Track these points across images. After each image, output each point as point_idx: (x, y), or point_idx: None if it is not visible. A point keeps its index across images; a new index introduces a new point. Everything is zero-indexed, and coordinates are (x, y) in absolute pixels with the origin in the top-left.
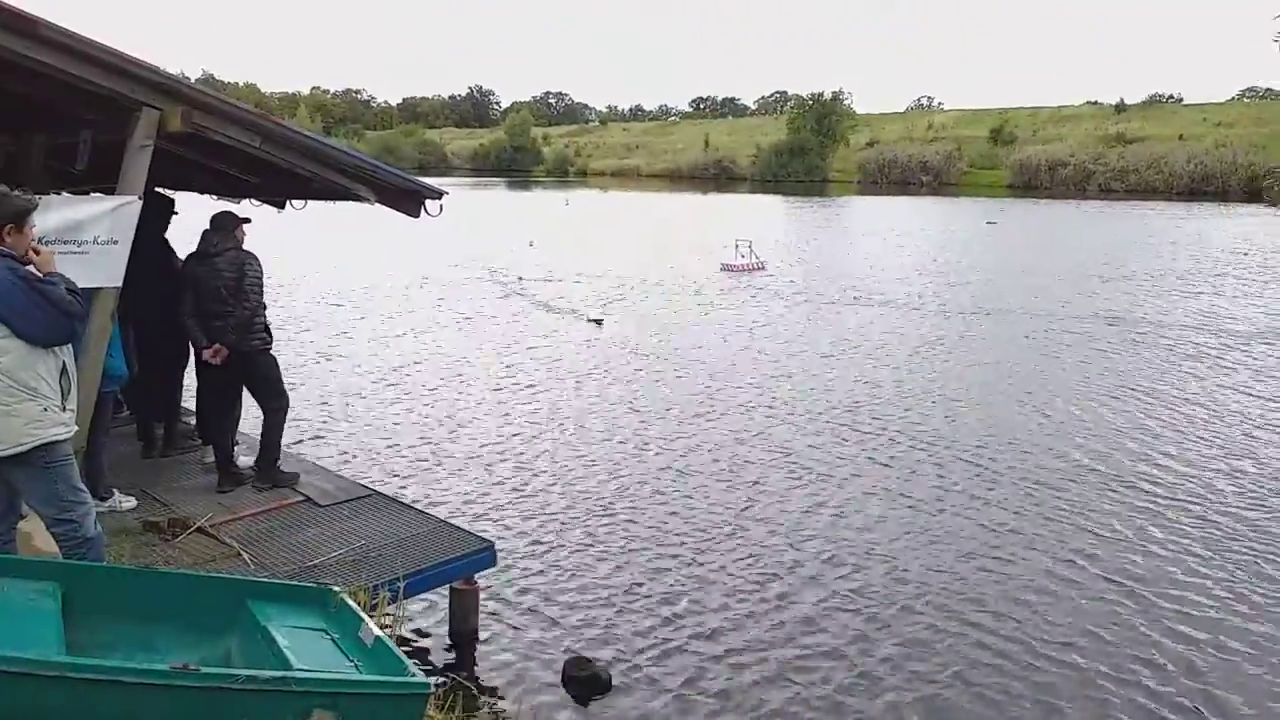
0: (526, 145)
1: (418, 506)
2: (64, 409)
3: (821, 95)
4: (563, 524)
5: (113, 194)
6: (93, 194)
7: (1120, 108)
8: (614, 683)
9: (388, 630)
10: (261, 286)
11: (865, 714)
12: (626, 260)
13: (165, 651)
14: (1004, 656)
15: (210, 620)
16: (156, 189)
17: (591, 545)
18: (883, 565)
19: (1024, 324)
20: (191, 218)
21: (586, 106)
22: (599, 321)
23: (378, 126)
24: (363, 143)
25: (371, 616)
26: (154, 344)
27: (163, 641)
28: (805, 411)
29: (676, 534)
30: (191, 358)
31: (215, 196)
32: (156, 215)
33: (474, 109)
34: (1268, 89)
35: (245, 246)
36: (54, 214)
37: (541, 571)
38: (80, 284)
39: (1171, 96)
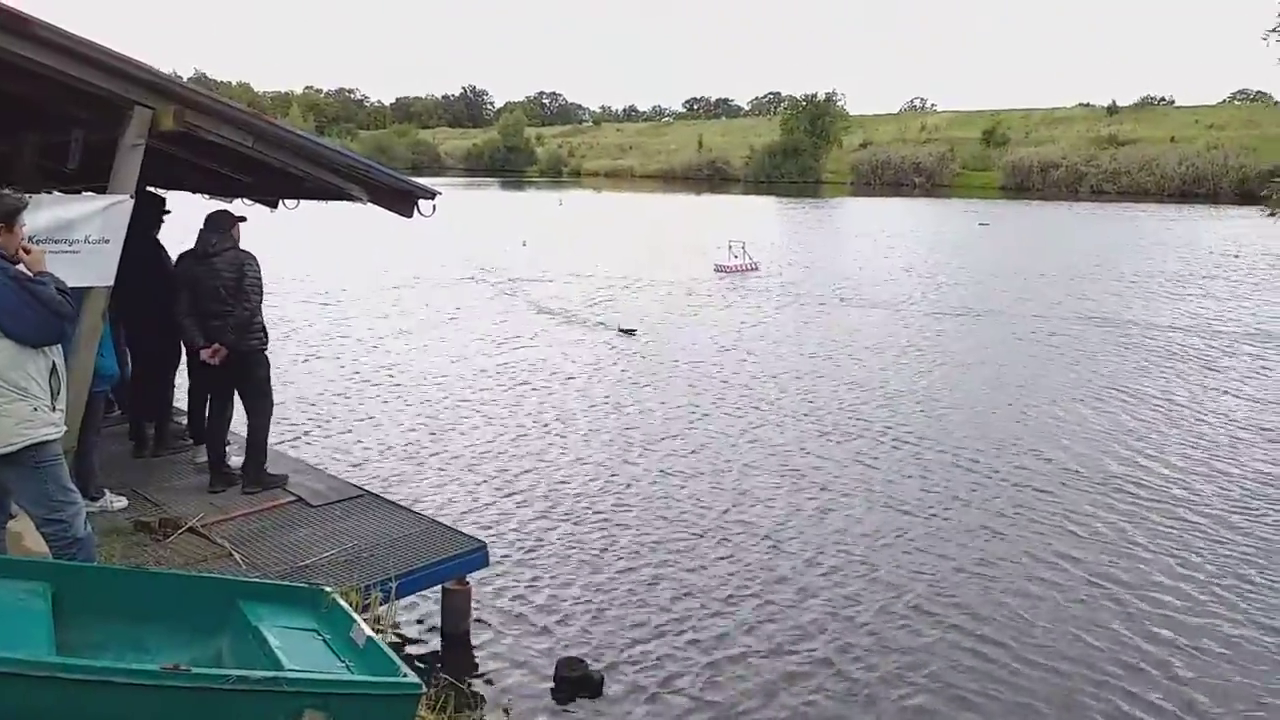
0: (520, 145)
1: (410, 507)
2: (54, 409)
3: (815, 96)
4: (555, 525)
5: (104, 193)
6: (84, 193)
7: (1112, 110)
8: (605, 684)
9: (379, 631)
10: (261, 287)
11: (850, 716)
12: (619, 261)
13: (156, 652)
14: (987, 659)
15: (201, 620)
16: (148, 188)
17: (583, 546)
18: (868, 567)
19: (1014, 326)
20: (183, 217)
21: (580, 107)
22: (631, 332)
23: (371, 126)
24: (356, 142)
25: (363, 617)
26: (145, 344)
27: (154, 642)
28: (793, 412)
29: (668, 535)
30: (184, 357)
31: (208, 196)
32: (148, 215)
33: (467, 109)
34: (1259, 92)
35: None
36: (45, 213)
37: (534, 572)
38: (71, 283)
39: (1163, 99)
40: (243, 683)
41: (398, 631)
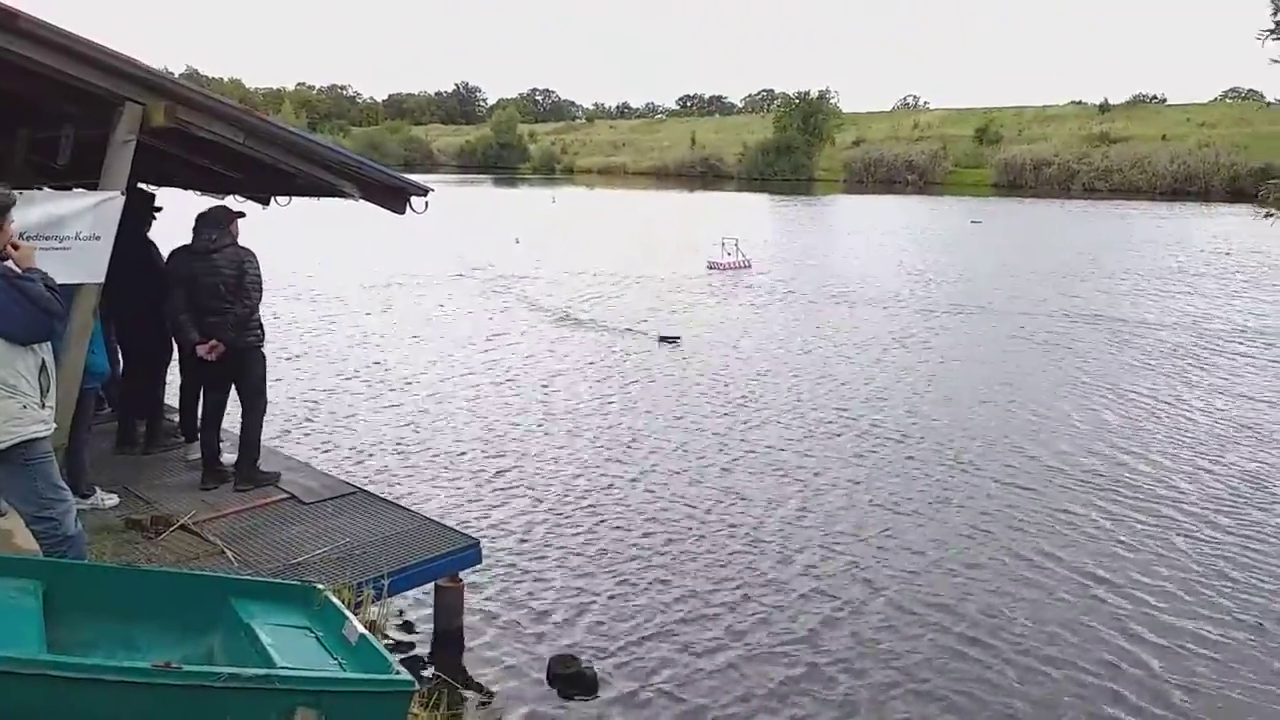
0: (513, 142)
1: (402, 504)
2: (43, 406)
3: (808, 94)
4: (548, 521)
5: (95, 189)
6: (75, 189)
7: (1104, 108)
8: (599, 680)
9: (372, 628)
10: (262, 284)
11: (851, 710)
12: (613, 258)
13: (147, 650)
14: (971, 659)
15: (193, 618)
16: (139, 185)
17: (576, 543)
18: (855, 565)
19: (1004, 323)
20: (175, 213)
21: (573, 104)
22: (674, 340)
23: (363, 123)
24: (348, 139)
25: (356, 614)
26: (135, 341)
27: (145, 640)
28: (782, 409)
29: (660, 532)
30: (175, 354)
31: (199, 192)
32: (138, 212)
33: (460, 106)
34: (1250, 90)
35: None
36: (36, 209)
37: (526, 569)
38: (62, 280)
39: (1155, 97)
40: (235, 680)
41: (390, 629)
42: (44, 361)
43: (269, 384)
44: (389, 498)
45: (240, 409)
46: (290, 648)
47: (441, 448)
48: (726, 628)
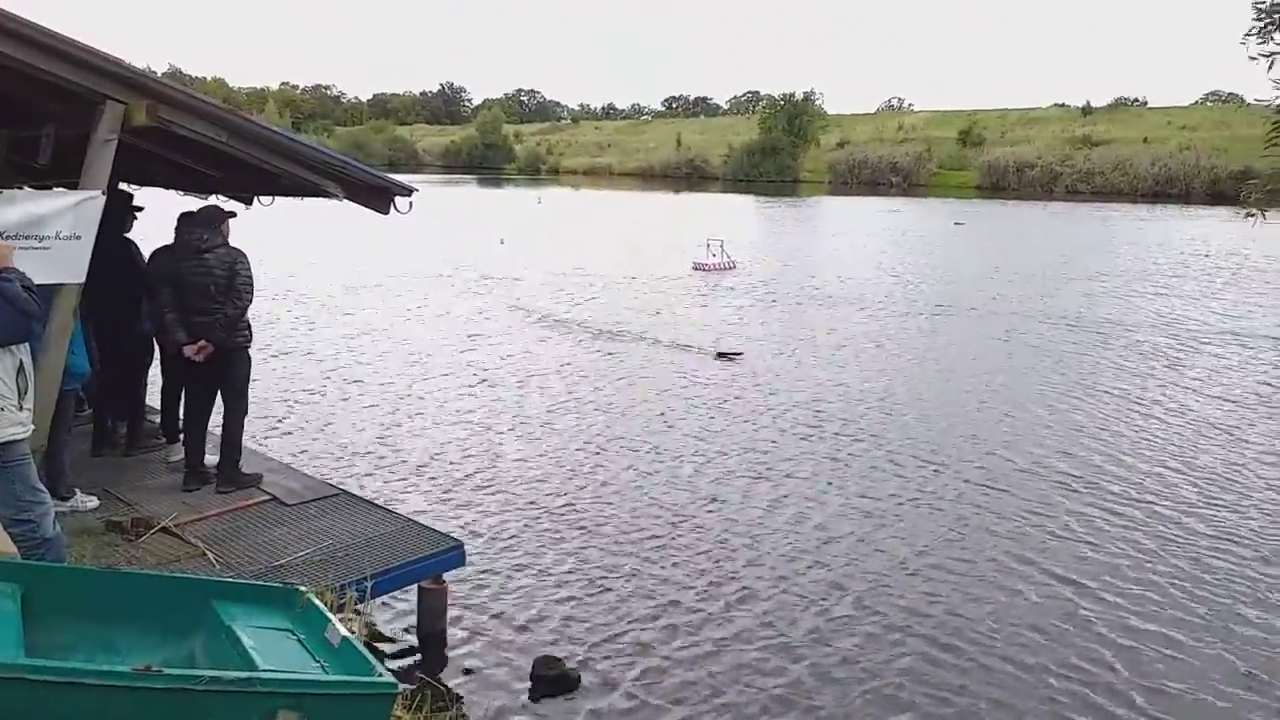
0: (498, 143)
1: (386, 506)
2: (21, 408)
3: (793, 95)
4: (531, 524)
5: (76, 189)
6: (55, 189)
7: (1087, 110)
8: (582, 681)
9: (355, 630)
10: (253, 285)
11: (825, 711)
12: (598, 259)
13: (127, 653)
14: (948, 659)
15: (174, 621)
16: (119, 186)
17: (560, 544)
18: (833, 566)
19: (986, 324)
20: (156, 213)
21: (559, 104)
22: (733, 356)
23: (347, 122)
24: (332, 139)
25: (339, 616)
26: (114, 341)
27: (125, 643)
28: (761, 410)
29: (643, 533)
30: (157, 355)
31: (181, 192)
32: (118, 211)
33: (445, 105)
34: (1230, 93)
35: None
36: (16, 209)
37: (510, 571)
38: (42, 280)
39: (1137, 100)
40: (216, 683)
41: (373, 631)
42: (21, 363)
43: (251, 384)
44: (372, 499)
45: (222, 410)
46: (272, 650)
47: (425, 449)
48: (709, 629)
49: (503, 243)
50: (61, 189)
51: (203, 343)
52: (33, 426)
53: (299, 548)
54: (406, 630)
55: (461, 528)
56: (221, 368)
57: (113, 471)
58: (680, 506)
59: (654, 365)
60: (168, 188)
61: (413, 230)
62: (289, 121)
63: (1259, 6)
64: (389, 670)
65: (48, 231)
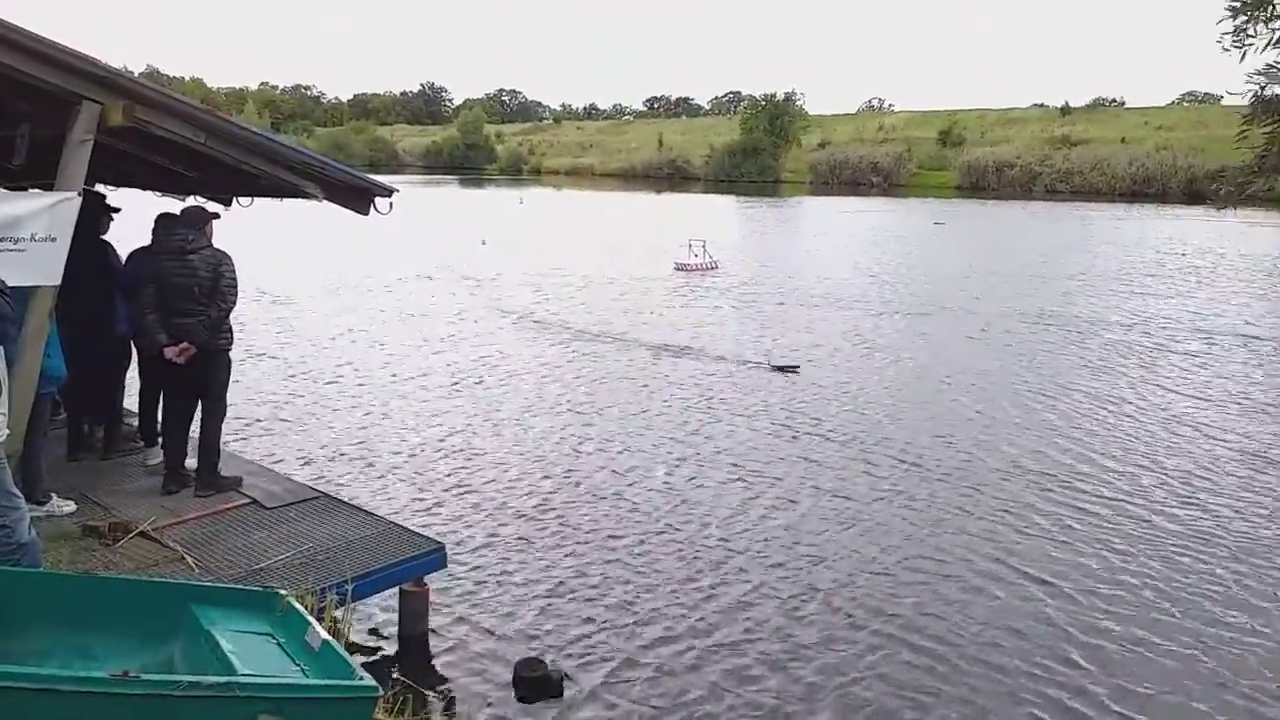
0: (480, 143)
1: (366, 508)
2: None
3: (774, 96)
4: (513, 525)
5: (52, 190)
6: (31, 190)
7: (1065, 110)
8: (565, 684)
9: (335, 634)
10: (237, 287)
11: (802, 711)
12: (580, 259)
13: (105, 659)
14: (926, 655)
15: (152, 626)
16: (96, 187)
17: (542, 546)
18: (813, 563)
19: (965, 323)
20: (133, 214)
21: (540, 104)
22: (791, 369)
23: (328, 123)
24: (312, 139)
25: (319, 620)
26: (90, 344)
27: (102, 648)
28: (742, 410)
29: (624, 534)
30: (135, 357)
31: (158, 193)
32: (92, 213)
33: (426, 106)
34: (1206, 93)
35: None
36: None
37: (493, 573)
38: (17, 282)
39: (1114, 100)
40: (194, 689)
41: (354, 634)
42: None
43: (230, 386)
44: (353, 502)
45: (203, 412)
46: (252, 655)
47: (405, 451)
48: (690, 629)
49: (484, 243)
50: (37, 190)
51: (184, 345)
52: (8, 430)
53: (279, 551)
54: (388, 633)
55: (443, 529)
56: (202, 370)
57: (90, 475)
58: (659, 507)
59: (635, 367)
60: (145, 189)
61: (393, 231)
62: (268, 122)
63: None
64: (370, 673)
65: (23, 233)
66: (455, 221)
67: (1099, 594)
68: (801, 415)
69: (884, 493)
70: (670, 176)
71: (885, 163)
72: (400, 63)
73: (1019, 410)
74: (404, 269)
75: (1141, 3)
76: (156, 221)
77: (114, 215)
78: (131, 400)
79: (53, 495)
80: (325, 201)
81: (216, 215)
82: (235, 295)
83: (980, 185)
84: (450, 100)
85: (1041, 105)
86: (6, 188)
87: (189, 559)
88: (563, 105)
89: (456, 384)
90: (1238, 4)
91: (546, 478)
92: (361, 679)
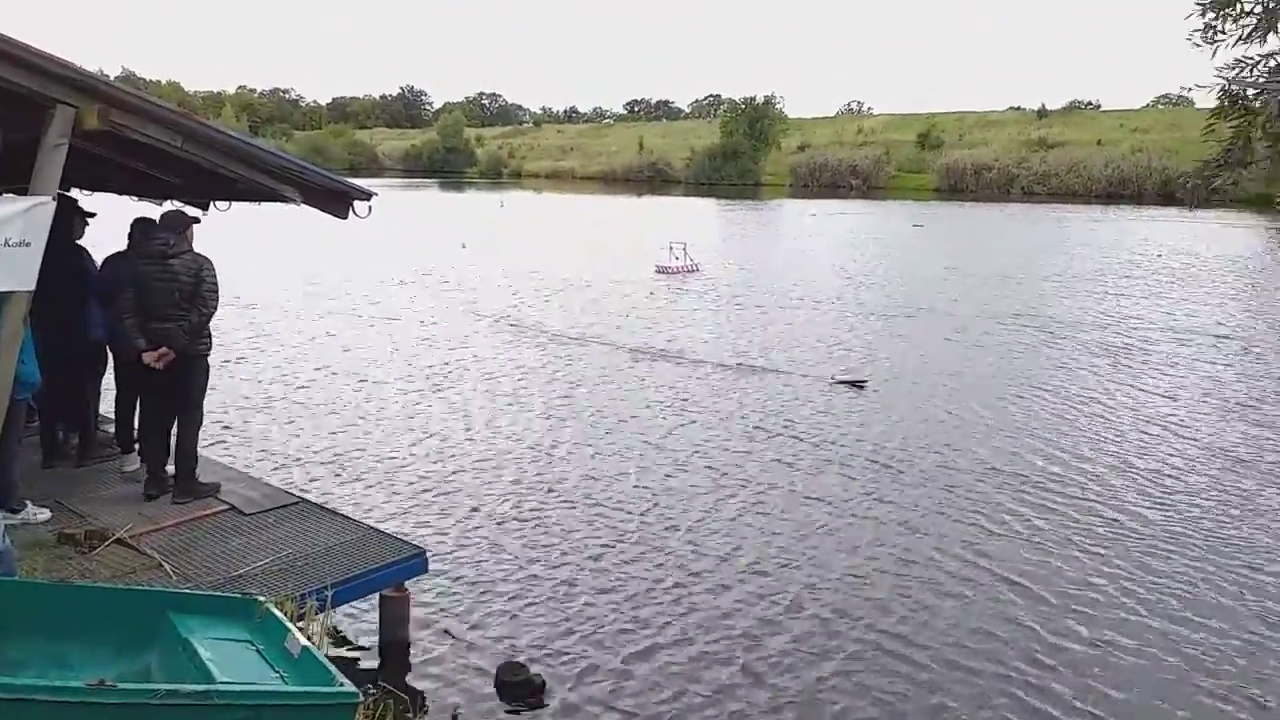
0: (459, 146)
1: (346, 513)
2: None
3: (754, 99)
4: (494, 530)
5: (26, 194)
6: (4, 194)
7: (1042, 113)
8: (548, 687)
9: (315, 640)
10: (218, 292)
11: (782, 712)
12: (561, 262)
13: (81, 668)
14: (901, 657)
15: (129, 634)
16: (67, 192)
17: (523, 550)
18: (791, 566)
19: (942, 324)
20: (109, 219)
21: (520, 108)
22: (859, 384)
23: (306, 126)
24: (290, 143)
25: (299, 626)
26: (64, 350)
27: (78, 658)
28: (719, 412)
29: (605, 537)
30: (111, 363)
31: (135, 197)
32: (67, 218)
33: (405, 109)
34: (1180, 96)
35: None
36: None
37: (474, 578)
38: None
39: (1090, 103)
40: (172, 697)
41: (335, 641)
42: None
43: (208, 392)
44: (332, 507)
45: (180, 418)
46: (231, 662)
47: (385, 456)
48: (672, 631)
49: (465, 247)
50: (10, 195)
51: (164, 350)
52: None
53: (258, 557)
54: (368, 639)
55: (423, 534)
56: (180, 376)
57: (65, 483)
58: (641, 509)
59: (612, 370)
60: (121, 193)
61: (373, 235)
62: (246, 125)
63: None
64: (350, 680)
65: None
66: (435, 225)
67: (1069, 594)
68: (777, 417)
69: (857, 494)
70: (651, 179)
71: (864, 165)
72: (379, 66)
73: (991, 411)
74: (383, 273)
75: (1116, 6)
76: (133, 225)
77: (89, 220)
78: (108, 406)
79: (28, 503)
80: (303, 205)
81: (197, 219)
82: (216, 300)
83: (958, 187)
84: (430, 104)
85: (1018, 108)
86: None
87: (167, 566)
88: (543, 108)
89: (435, 388)
90: (1206, 1)
91: (527, 481)
92: (342, 685)
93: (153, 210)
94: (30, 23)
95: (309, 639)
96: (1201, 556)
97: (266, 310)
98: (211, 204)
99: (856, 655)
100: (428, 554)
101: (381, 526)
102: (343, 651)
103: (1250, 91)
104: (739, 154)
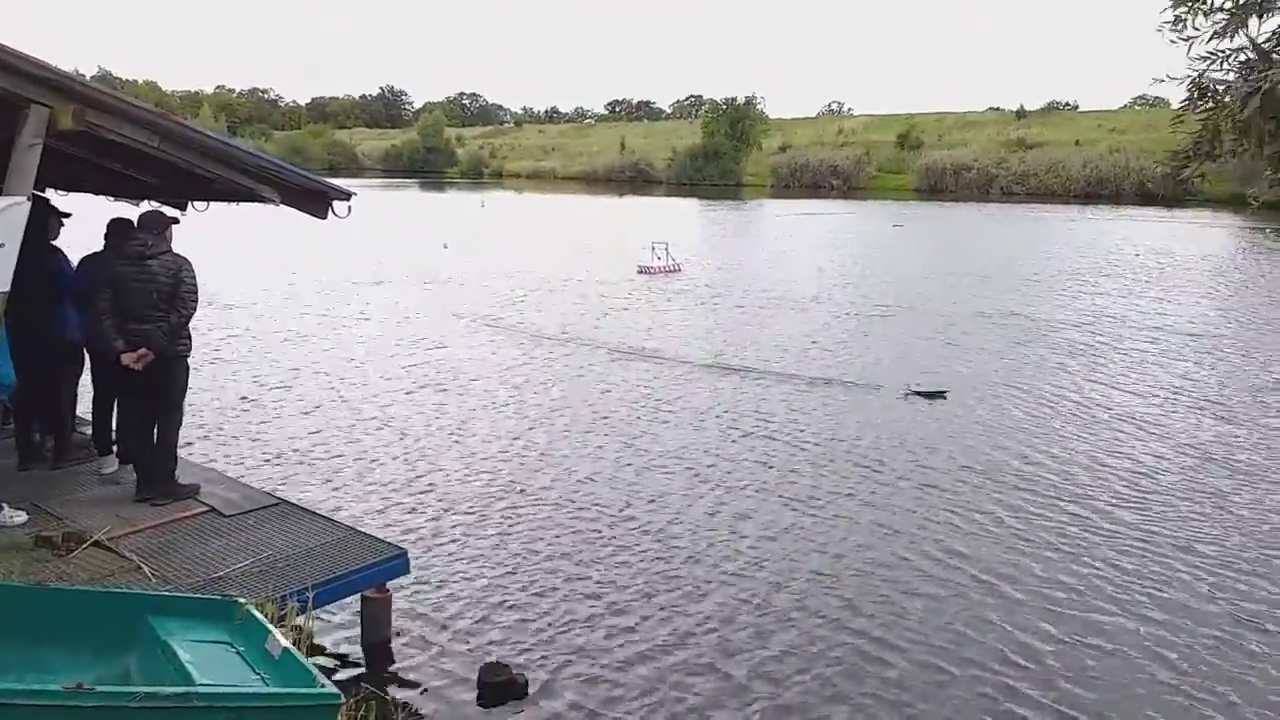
0: (440, 146)
1: (327, 514)
2: None
3: (735, 100)
4: (476, 530)
5: None
6: None
7: (1021, 114)
8: (530, 687)
9: (297, 642)
10: (197, 293)
11: (767, 711)
12: (543, 262)
13: (59, 672)
14: (874, 656)
15: (108, 637)
16: (42, 192)
17: (505, 551)
18: (767, 566)
19: (920, 323)
20: (84, 219)
21: (501, 108)
22: (937, 395)
23: (285, 126)
24: (269, 143)
25: (280, 628)
26: (39, 351)
27: (56, 661)
28: (698, 409)
29: (585, 537)
30: (88, 364)
31: (111, 198)
32: (42, 219)
33: (386, 109)
34: (1157, 97)
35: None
36: None
37: (455, 578)
38: None
39: (1068, 104)
40: (151, 700)
41: (316, 642)
42: None
43: (188, 392)
44: (313, 508)
45: (159, 420)
46: (211, 664)
47: (366, 456)
48: (653, 630)
49: (446, 247)
50: None
51: (143, 351)
52: None
53: (238, 559)
54: (350, 640)
55: (405, 535)
56: (160, 377)
57: (41, 485)
58: (620, 509)
59: (594, 369)
60: (97, 194)
61: (353, 236)
62: (225, 125)
63: None
64: (332, 681)
65: None
66: (416, 225)
67: (1040, 592)
68: (756, 415)
69: (832, 493)
70: (632, 180)
71: (845, 166)
72: (359, 66)
73: (968, 409)
74: (364, 273)
75: (1094, 8)
76: (110, 226)
77: (64, 220)
78: (85, 408)
79: (3, 505)
80: (282, 206)
81: (176, 220)
82: (196, 301)
83: (938, 188)
84: (410, 103)
85: (997, 109)
86: None
87: (145, 568)
88: (524, 108)
89: (415, 388)
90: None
91: (507, 481)
92: (323, 687)
93: (130, 210)
94: (4, 22)
95: (290, 641)
96: (1173, 553)
97: (245, 311)
98: (189, 204)
99: (844, 652)
100: (409, 555)
101: (363, 527)
102: (324, 653)
103: (1220, 85)
104: (720, 154)
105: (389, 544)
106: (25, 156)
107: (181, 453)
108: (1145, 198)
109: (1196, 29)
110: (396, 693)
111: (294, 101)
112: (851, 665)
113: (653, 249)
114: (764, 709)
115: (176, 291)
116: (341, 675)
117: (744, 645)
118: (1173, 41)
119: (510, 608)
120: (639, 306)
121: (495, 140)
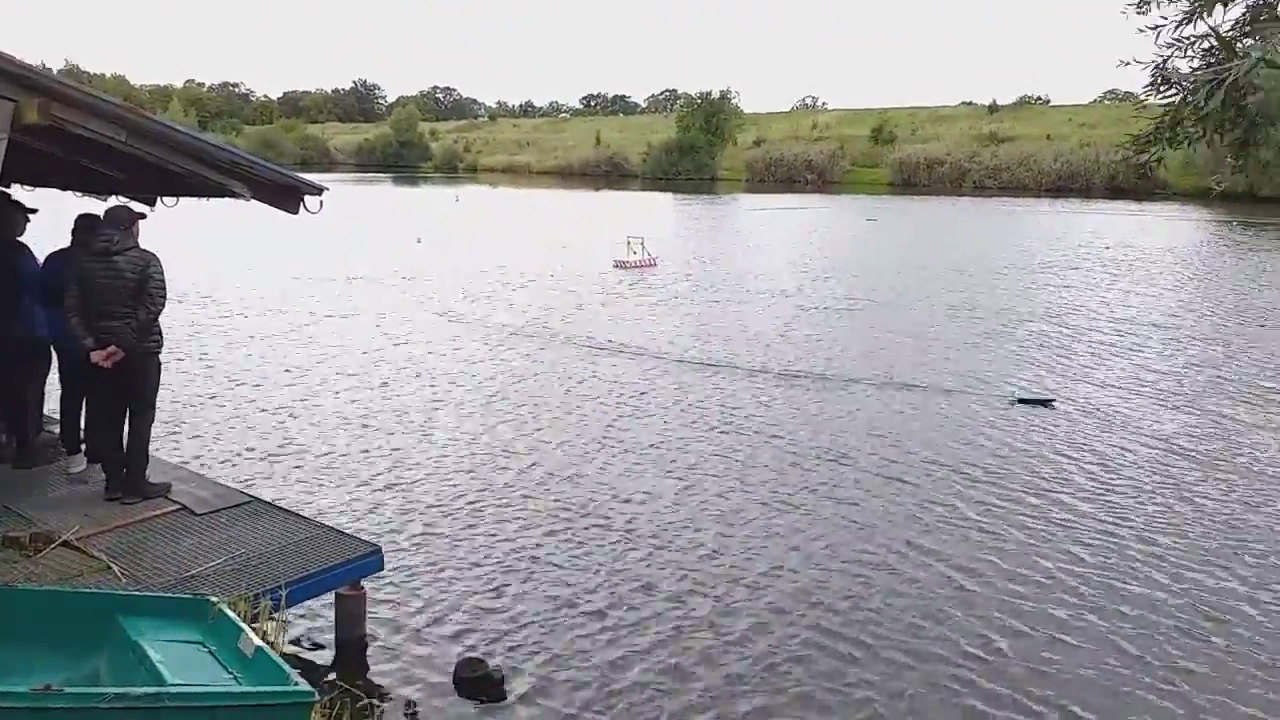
0: (414, 140)
1: (300, 512)
2: None
3: (710, 94)
4: (449, 525)
5: None
6: None
7: (993, 108)
8: (506, 682)
9: (270, 640)
10: (165, 289)
11: (743, 706)
12: (518, 257)
13: (27, 674)
14: (841, 654)
15: (77, 639)
16: (8, 188)
17: (479, 546)
18: (735, 559)
19: (891, 317)
20: (52, 214)
21: (475, 102)
22: (1045, 403)
23: (257, 121)
24: (240, 138)
25: (253, 626)
26: (2, 349)
27: (24, 663)
28: (670, 404)
29: (559, 532)
30: (55, 362)
31: (79, 193)
32: (6, 215)
33: (358, 103)
34: (1127, 92)
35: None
36: None
37: (430, 574)
38: None
39: (1040, 98)
40: (122, 700)
41: (290, 640)
42: None
43: (159, 390)
44: (285, 505)
45: (130, 418)
46: (182, 664)
47: (338, 453)
48: (630, 625)
49: (420, 242)
50: None
51: (112, 349)
52: None
53: (210, 558)
54: (324, 638)
55: (378, 531)
56: (130, 375)
57: (8, 485)
58: (593, 503)
59: (567, 364)
60: (64, 189)
61: (325, 231)
62: (195, 120)
63: None
64: (306, 679)
65: None
66: (389, 220)
67: (1014, 581)
68: (724, 409)
69: (809, 486)
70: (608, 174)
71: (819, 160)
72: (331, 59)
73: (937, 404)
74: (335, 269)
75: (1067, 3)
76: (77, 222)
77: (30, 216)
78: (53, 406)
79: None
80: (253, 201)
81: (143, 215)
82: (164, 297)
83: (911, 182)
84: (383, 98)
85: (970, 103)
86: None
87: (115, 568)
88: (498, 103)
89: (387, 384)
90: None
91: (481, 476)
92: (297, 685)
93: (97, 206)
94: None
95: (263, 639)
96: (1139, 541)
97: (216, 307)
98: (159, 200)
99: (810, 642)
100: (383, 551)
101: (336, 524)
102: (298, 651)
103: (1183, 74)
104: (695, 149)
105: (362, 541)
106: None
107: (152, 450)
108: (1115, 191)
109: (1164, 18)
110: (371, 689)
111: (265, 96)
112: (828, 661)
113: (628, 243)
114: (759, 706)
115: (144, 288)
116: (316, 673)
117: (719, 639)
118: (1140, 30)
119: (486, 603)
120: (614, 301)
121: (469, 134)
